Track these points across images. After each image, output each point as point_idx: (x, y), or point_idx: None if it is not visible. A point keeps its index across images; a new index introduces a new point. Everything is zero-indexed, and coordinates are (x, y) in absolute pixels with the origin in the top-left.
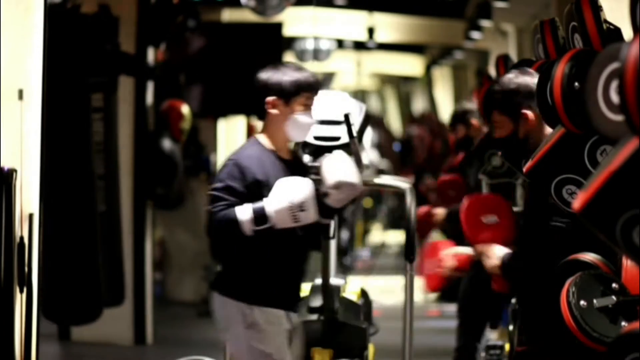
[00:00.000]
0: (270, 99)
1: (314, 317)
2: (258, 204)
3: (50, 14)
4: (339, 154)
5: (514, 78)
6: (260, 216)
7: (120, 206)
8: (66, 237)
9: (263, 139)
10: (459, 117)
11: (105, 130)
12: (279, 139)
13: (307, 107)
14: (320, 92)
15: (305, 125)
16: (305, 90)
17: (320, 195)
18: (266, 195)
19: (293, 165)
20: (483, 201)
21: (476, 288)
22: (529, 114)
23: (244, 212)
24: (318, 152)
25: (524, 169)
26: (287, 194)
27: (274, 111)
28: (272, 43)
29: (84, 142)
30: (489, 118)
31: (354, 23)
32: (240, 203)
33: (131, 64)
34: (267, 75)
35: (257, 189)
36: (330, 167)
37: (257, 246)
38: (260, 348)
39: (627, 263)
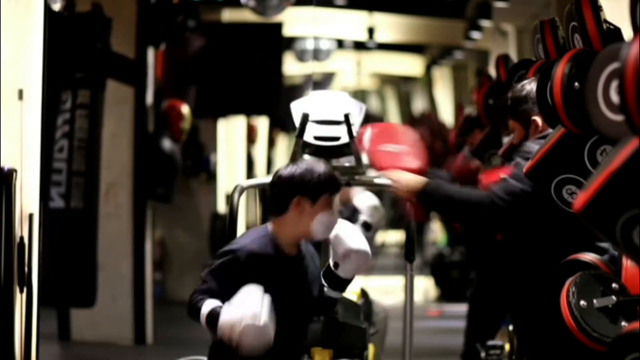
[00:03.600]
0: (296, 198)
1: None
2: (216, 305)
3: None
4: (347, 225)
5: (525, 85)
6: (213, 319)
7: (98, 204)
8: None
9: (274, 234)
10: (475, 121)
11: (90, 127)
12: (293, 236)
13: (331, 206)
14: (320, 92)
15: (331, 224)
16: (330, 190)
17: (330, 268)
18: (266, 280)
19: (296, 262)
20: (387, 130)
21: (485, 293)
22: (538, 120)
23: (205, 307)
24: (318, 152)
25: (524, 169)
26: (242, 310)
27: (298, 209)
28: (272, 43)
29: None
30: (489, 118)
31: (354, 23)
32: (220, 291)
33: (123, 67)
34: (289, 171)
35: (243, 283)
36: (340, 238)
37: None
38: None
39: (627, 263)
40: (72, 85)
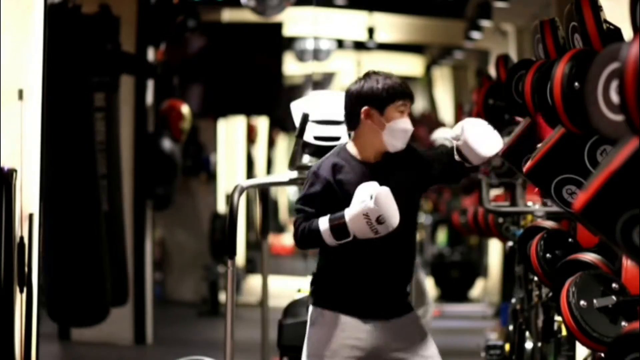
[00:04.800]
0: (364, 108)
1: None
2: (336, 215)
3: (51, 15)
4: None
5: None
6: (338, 228)
7: (123, 206)
8: (72, 238)
9: (351, 147)
10: None
11: (107, 129)
12: (370, 148)
13: (402, 114)
14: (320, 92)
15: (402, 131)
16: (399, 98)
17: (454, 158)
18: (348, 204)
19: (379, 168)
20: None
21: None
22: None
23: (322, 224)
24: (318, 152)
25: (524, 169)
26: (364, 204)
27: (368, 121)
28: (272, 43)
29: (87, 142)
30: (489, 118)
31: (354, 23)
32: (321, 212)
33: (133, 63)
34: (358, 85)
35: (336, 197)
36: (477, 145)
37: (337, 252)
38: (316, 348)
39: (627, 263)
40: (89, 89)
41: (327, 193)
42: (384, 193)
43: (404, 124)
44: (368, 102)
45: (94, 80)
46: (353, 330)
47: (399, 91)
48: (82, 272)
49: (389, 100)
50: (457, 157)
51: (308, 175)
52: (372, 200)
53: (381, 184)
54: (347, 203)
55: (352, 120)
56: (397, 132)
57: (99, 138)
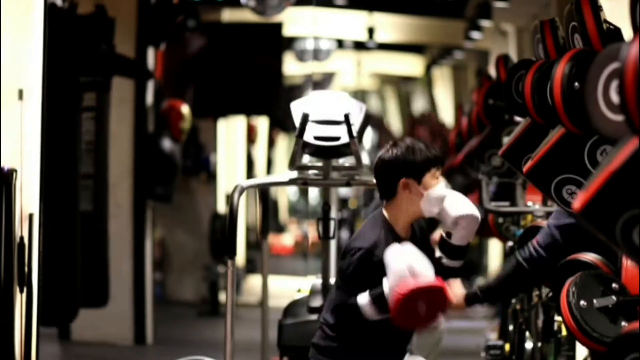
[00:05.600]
0: (402, 180)
1: (314, 317)
2: (375, 290)
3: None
4: (450, 193)
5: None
6: (380, 300)
7: (108, 206)
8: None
9: (388, 218)
10: None
11: (97, 129)
12: (404, 217)
13: (438, 180)
14: (320, 92)
15: (440, 199)
16: (434, 165)
17: (442, 238)
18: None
19: (411, 238)
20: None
21: None
22: None
23: (362, 299)
24: (318, 152)
25: (524, 169)
26: (398, 273)
27: (406, 191)
28: (272, 43)
29: (71, 141)
30: (489, 118)
31: (354, 23)
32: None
33: (127, 65)
34: (391, 155)
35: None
36: (445, 207)
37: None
38: None
39: (627, 263)
40: (78, 88)
41: (371, 273)
42: (411, 251)
43: (441, 191)
44: (406, 173)
45: (85, 80)
46: None
47: (433, 159)
48: (52, 272)
49: (425, 169)
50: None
51: (358, 253)
52: (405, 263)
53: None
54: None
55: (388, 189)
56: (435, 199)
57: (88, 138)
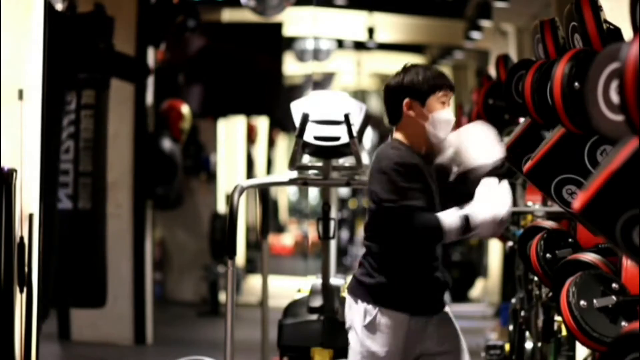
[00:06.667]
0: (405, 101)
1: (314, 317)
2: (465, 212)
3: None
4: (473, 134)
5: None
6: (467, 226)
7: (106, 204)
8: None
9: (402, 139)
10: None
11: (95, 127)
12: (415, 141)
13: (444, 105)
14: (320, 92)
15: (445, 122)
16: (440, 88)
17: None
18: (427, 186)
19: (430, 162)
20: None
21: None
22: None
23: (449, 220)
24: (318, 152)
25: (524, 169)
26: (493, 206)
27: (410, 113)
28: (272, 43)
29: (53, 138)
30: (489, 118)
31: (354, 23)
32: (424, 201)
33: (126, 63)
34: (397, 78)
35: (420, 179)
36: (471, 151)
37: (399, 251)
38: (372, 348)
39: (627, 263)
40: (77, 86)
41: (414, 176)
42: (507, 196)
43: (447, 115)
44: (409, 94)
45: (83, 77)
46: (412, 326)
47: (439, 82)
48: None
49: (430, 92)
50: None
51: (387, 170)
52: (500, 204)
53: (433, 175)
54: (429, 186)
55: (394, 114)
56: (441, 122)
57: (87, 135)
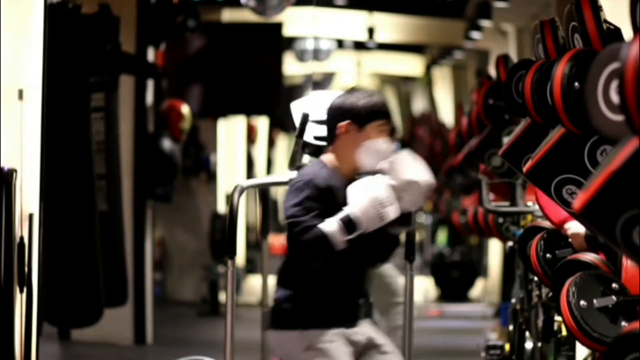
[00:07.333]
0: (343, 123)
1: None
2: (341, 214)
3: (51, 14)
4: (403, 154)
5: None
6: (348, 223)
7: (122, 206)
8: (66, 239)
9: (329, 161)
10: None
11: (107, 129)
12: (346, 165)
13: (382, 134)
14: (320, 92)
15: (378, 151)
16: (380, 117)
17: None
18: (340, 209)
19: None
20: None
21: None
22: None
23: (330, 225)
24: (318, 152)
25: (524, 169)
26: (366, 194)
27: (346, 135)
28: (272, 43)
29: (84, 141)
30: (489, 118)
31: (354, 23)
32: (320, 219)
33: (133, 63)
34: (340, 99)
35: (332, 202)
36: (394, 168)
37: (309, 271)
38: None
39: (627, 263)
40: (87, 89)
41: (325, 198)
42: (380, 180)
43: (383, 144)
44: (349, 116)
45: (93, 80)
46: (340, 340)
47: (382, 110)
48: (75, 274)
49: (371, 118)
50: None
51: (299, 185)
52: (373, 188)
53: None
54: (339, 208)
55: (331, 133)
56: (374, 151)
57: (99, 138)
